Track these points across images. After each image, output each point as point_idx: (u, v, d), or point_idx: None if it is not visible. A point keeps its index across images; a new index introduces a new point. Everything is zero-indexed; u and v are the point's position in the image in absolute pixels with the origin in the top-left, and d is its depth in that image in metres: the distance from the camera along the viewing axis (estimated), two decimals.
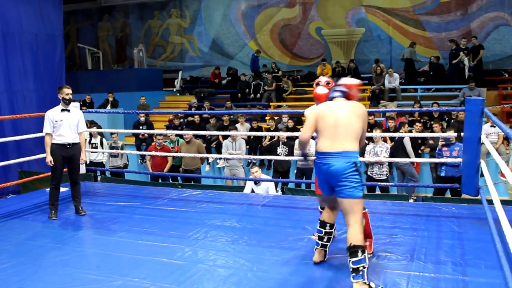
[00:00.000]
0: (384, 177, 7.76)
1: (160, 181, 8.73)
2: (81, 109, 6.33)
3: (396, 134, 8.24)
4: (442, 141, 7.50)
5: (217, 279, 3.49)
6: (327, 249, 3.69)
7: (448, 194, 7.43)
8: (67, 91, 5.33)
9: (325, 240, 3.64)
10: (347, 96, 3.66)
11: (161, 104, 16.18)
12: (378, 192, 7.92)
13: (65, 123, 5.30)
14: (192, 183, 8.19)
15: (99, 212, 5.48)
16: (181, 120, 11.70)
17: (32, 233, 4.72)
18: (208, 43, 18.51)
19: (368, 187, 7.99)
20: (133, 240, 4.39)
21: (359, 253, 3.12)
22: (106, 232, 4.73)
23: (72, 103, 5.54)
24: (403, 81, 13.55)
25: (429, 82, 13.50)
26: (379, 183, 7.41)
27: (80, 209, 5.43)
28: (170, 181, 8.74)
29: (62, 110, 5.35)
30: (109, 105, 13.33)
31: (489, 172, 4.94)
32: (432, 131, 8.44)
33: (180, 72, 17.74)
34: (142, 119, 11.06)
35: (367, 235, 3.78)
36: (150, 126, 11.34)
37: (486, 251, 3.78)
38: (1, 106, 9.17)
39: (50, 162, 5.31)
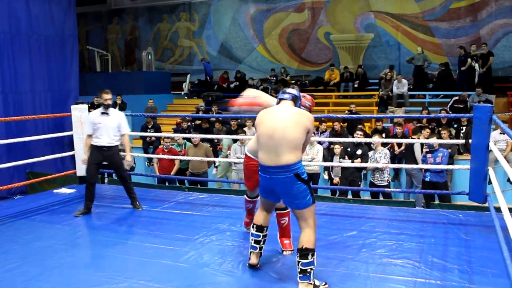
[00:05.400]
0: (385, 183, 7.74)
1: (167, 184, 8.74)
2: (89, 111, 6.40)
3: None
4: (426, 148, 7.61)
5: (222, 283, 3.49)
6: (262, 250, 3.73)
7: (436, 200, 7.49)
8: (105, 97, 5.43)
9: (261, 243, 3.68)
10: (295, 100, 3.55)
11: (169, 107, 16.23)
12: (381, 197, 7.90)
13: (103, 126, 5.42)
14: (199, 186, 8.19)
15: (105, 214, 5.50)
16: (189, 123, 11.73)
17: (39, 234, 4.74)
18: (216, 46, 18.57)
19: (371, 192, 7.99)
20: (139, 243, 4.41)
21: (309, 256, 3.19)
22: (112, 234, 4.74)
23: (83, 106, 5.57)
24: (411, 87, 13.50)
25: (437, 88, 13.44)
26: (381, 189, 7.41)
27: (137, 204, 5.61)
28: (177, 184, 8.75)
29: (102, 113, 5.46)
30: (117, 107, 13.38)
31: (497, 180, 4.91)
32: (440, 138, 8.41)
33: (188, 76, 17.78)
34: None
35: (287, 234, 4.06)
36: (157, 129, 11.37)
37: (493, 259, 3.76)
38: (9, 107, 9.26)
39: (84, 161, 5.38)
